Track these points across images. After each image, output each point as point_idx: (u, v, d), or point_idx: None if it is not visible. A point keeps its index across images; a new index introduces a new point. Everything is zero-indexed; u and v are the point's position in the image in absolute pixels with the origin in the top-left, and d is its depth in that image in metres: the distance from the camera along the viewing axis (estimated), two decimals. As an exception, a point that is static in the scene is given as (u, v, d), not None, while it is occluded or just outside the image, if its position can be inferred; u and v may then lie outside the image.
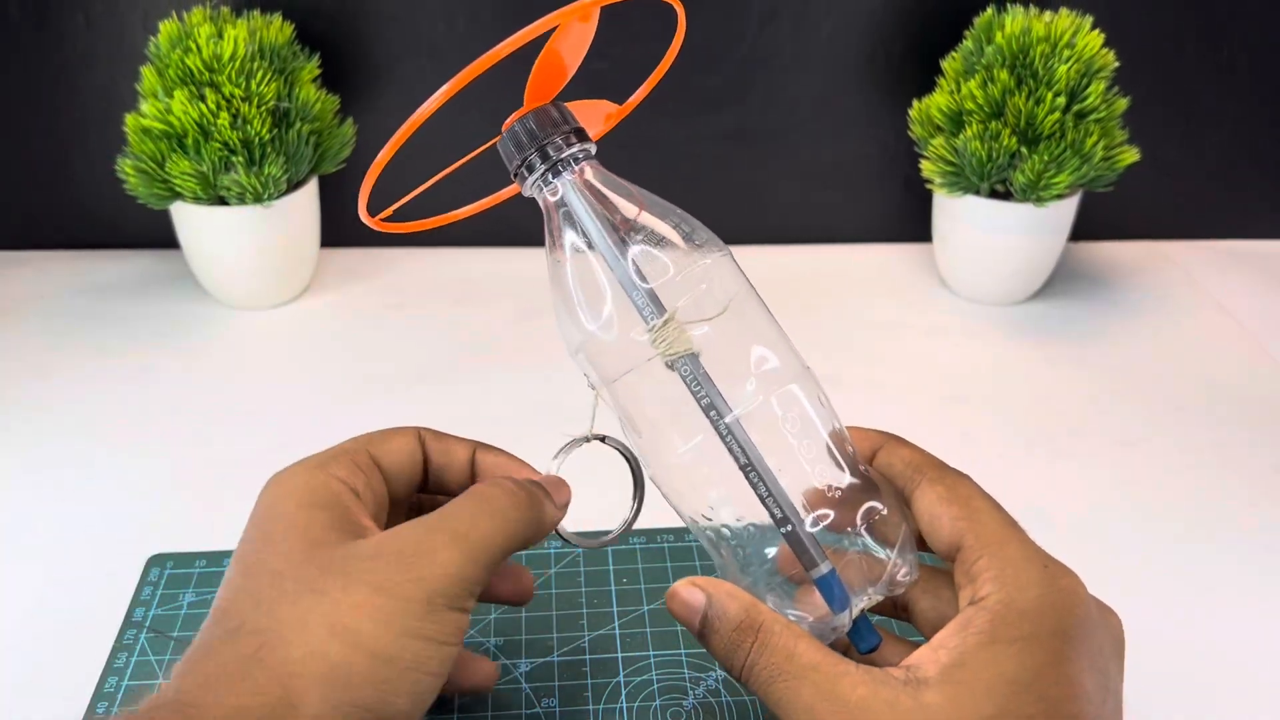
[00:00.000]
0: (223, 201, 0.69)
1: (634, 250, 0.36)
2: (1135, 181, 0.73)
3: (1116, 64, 0.69)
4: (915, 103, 0.74)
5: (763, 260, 0.60)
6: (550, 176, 0.37)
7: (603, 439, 0.40)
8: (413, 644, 0.32)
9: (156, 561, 0.51)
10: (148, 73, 0.69)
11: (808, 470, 0.35)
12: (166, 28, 0.67)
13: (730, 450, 0.35)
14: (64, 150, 0.78)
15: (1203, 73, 0.78)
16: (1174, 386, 0.67)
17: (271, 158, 0.68)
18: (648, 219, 0.36)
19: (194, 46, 0.66)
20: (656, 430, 0.37)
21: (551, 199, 0.37)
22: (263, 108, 0.67)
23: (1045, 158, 0.68)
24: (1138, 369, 0.69)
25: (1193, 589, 0.51)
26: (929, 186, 0.73)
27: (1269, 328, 0.74)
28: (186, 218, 0.71)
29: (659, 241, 0.36)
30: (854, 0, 0.75)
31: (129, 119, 0.69)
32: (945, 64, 0.73)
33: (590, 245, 0.36)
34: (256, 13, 0.70)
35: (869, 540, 0.35)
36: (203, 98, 0.66)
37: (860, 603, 0.35)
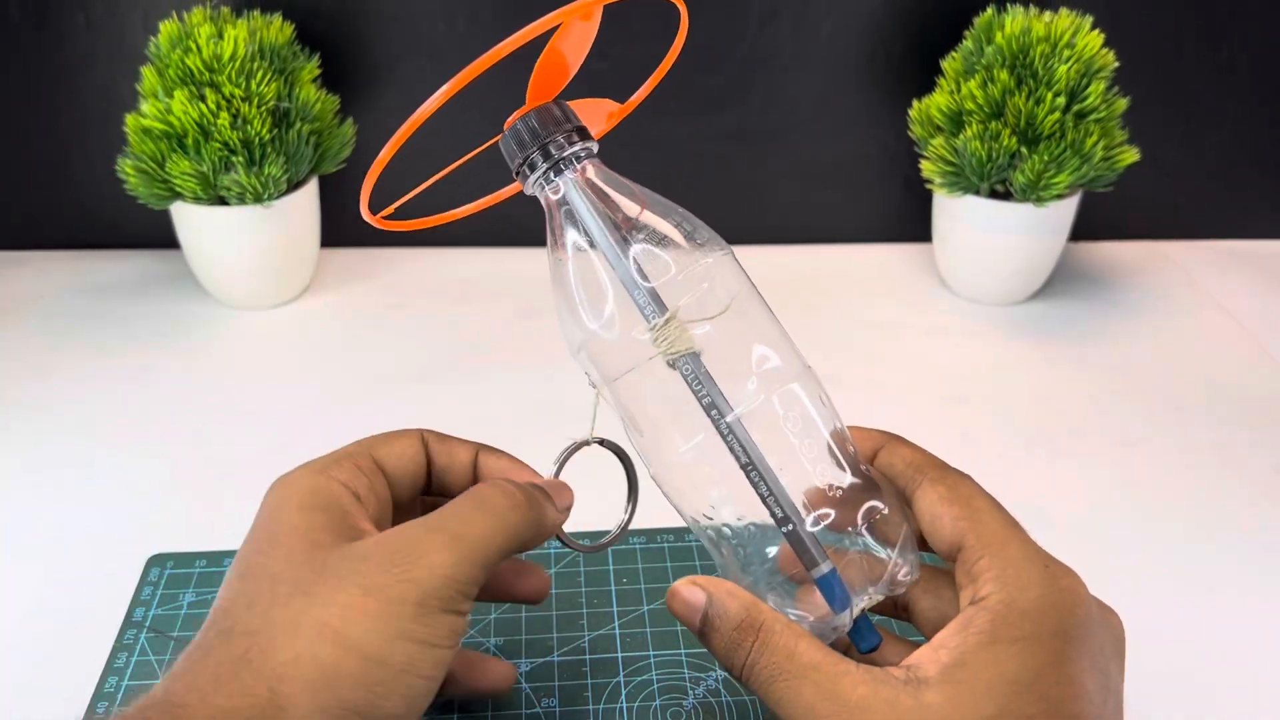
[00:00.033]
0: (223, 201, 0.69)
1: (636, 249, 0.36)
2: (1135, 181, 0.73)
3: (1116, 64, 0.69)
4: (915, 103, 0.74)
5: (763, 260, 0.60)
6: (552, 175, 0.36)
7: (602, 442, 0.40)
8: (405, 646, 0.32)
9: (156, 561, 0.51)
10: (148, 73, 0.69)
11: (809, 469, 0.35)
12: (166, 28, 0.67)
13: (731, 449, 0.35)
14: (64, 150, 0.78)
15: (1203, 73, 0.79)
16: (1174, 386, 0.67)
17: (271, 158, 0.68)
18: (649, 218, 0.36)
19: (194, 46, 0.66)
20: (658, 429, 0.37)
21: (553, 197, 0.37)
22: (263, 108, 0.67)
23: (1045, 158, 0.68)
24: (1138, 369, 0.69)
25: (1193, 589, 0.51)
26: (929, 186, 0.73)
27: (1269, 328, 0.74)
28: (186, 218, 0.71)
29: (661, 240, 0.36)
30: (854, 0, 0.75)
31: (129, 119, 0.69)
32: (945, 64, 0.73)
33: (592, 244, 0.36)
34: (256, 13, 0.70)
35: (870, 540, 0.35)
36: (203, 98, 0.66)
37: (861, 602, 0.35)
